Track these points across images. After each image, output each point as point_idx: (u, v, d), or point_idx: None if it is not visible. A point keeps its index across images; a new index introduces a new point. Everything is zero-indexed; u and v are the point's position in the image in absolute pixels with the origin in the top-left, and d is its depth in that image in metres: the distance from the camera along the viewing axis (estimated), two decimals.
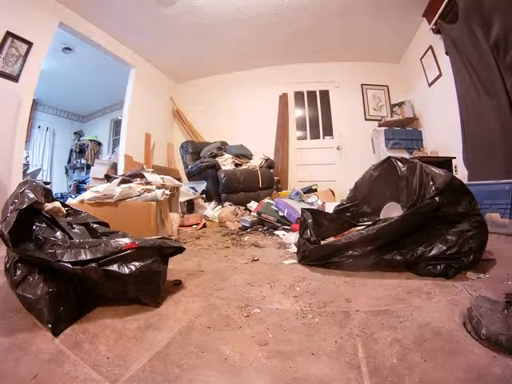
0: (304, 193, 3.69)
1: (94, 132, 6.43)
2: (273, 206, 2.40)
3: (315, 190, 3.74)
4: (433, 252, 1.07)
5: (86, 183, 5.05)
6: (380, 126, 3.99)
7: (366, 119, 4.38)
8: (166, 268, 1.01)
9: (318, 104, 4.62)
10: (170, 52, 4.10)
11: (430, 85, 3.48)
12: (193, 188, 3.12)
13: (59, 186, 5.99)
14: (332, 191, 3.76)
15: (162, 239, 1.03)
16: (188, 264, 1.38)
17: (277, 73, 4.61)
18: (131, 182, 2.02)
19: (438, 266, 1.06)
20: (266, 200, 2.56)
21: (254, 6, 3.17)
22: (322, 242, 1.34)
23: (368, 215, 1.60)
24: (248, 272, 1.25)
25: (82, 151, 6.14)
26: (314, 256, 1.28)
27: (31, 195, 0.90)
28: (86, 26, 3.23)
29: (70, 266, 0.81)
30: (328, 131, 4.54)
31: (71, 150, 6.36)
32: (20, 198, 0.88)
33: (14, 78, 2.55)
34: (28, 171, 4.71)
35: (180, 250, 1.07)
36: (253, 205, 2.82)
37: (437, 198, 1.10)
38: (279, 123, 4.56)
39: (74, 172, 6.26)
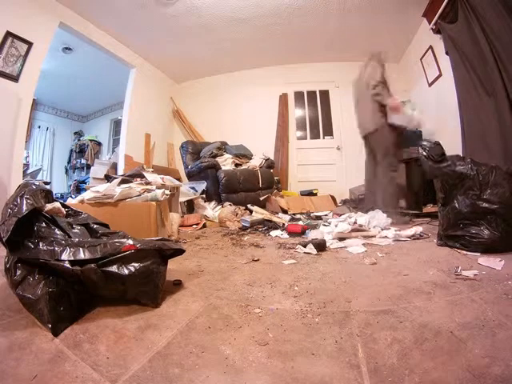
0: (304, 195, 3.67)
1: (93, 132, 6.43)
2: None
3: (315, 195, 3.71)
4: None
5: (85, 183, 5.04)
6: None
7: None
8: (166, 269, 1.01)
9: (318, 104, 4.61)
10: (170, 52, 4.09)
11: (429, 85, 3.48)
12: (193, 188, 3.12)
13: (59, 185, 5.99)
14: (333, 197, 3.44)
15: (162, 241, 1.03)
16: (188, 264, 1.38)
17: (277, 73, 4.60)
18: (131, 182, 2.02)
19: None
20: None
21: (253, 6, 3.17)
22: None
23: None
24: (248, 272, 1.25)
25: (81, 151, 6.13)
26: None
27: (30, 201, 0.90)
28: (86, 26, 3.23)
29: (69, 266, 0.81)
30: (328, 131, 4.54)
31: (71, 150, 6.35)
32: (19, 203, 0.88)
33: (14, 78, 2.54)
34: (28, 171, 4.71)
35: (180, 251, 1.07)
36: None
37: None
38: (279, 123, 4.56)
39: (74, 172, 6.25)
